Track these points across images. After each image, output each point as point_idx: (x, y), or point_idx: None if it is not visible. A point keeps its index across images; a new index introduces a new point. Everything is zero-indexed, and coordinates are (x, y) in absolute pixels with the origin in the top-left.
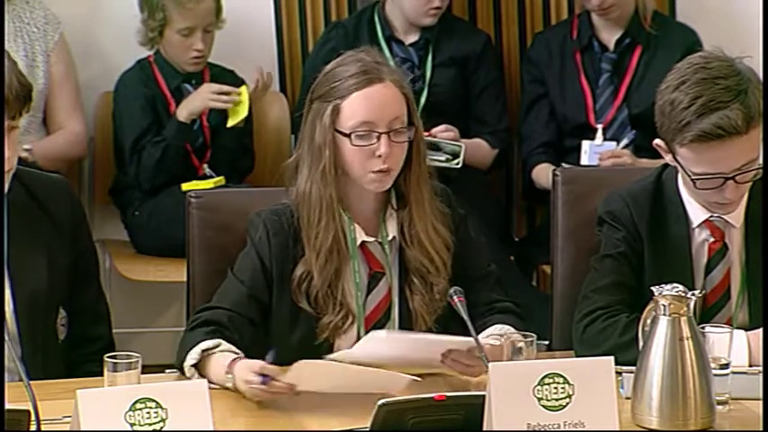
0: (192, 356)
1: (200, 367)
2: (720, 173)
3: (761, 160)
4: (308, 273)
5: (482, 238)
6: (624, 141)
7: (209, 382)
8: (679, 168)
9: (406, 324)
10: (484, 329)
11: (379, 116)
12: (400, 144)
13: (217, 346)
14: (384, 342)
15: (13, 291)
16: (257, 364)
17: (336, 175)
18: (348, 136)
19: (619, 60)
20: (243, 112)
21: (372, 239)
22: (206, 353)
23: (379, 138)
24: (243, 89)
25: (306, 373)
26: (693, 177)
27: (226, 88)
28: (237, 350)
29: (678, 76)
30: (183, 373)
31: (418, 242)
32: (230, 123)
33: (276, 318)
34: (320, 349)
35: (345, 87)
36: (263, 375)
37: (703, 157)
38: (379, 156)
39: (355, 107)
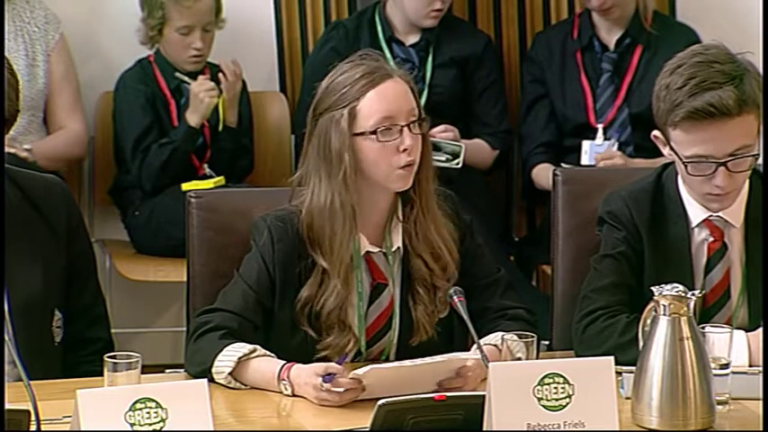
0: (228, 365)
1: (234, 374)
2: (712, 156)
3: (757, 150)
4: (313, 298)
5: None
6: (613, 142)
7: (251, 386)
8: (674, 158)
9: (407, 334)
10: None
11: (398, 110)
12: (419, 136)
13: (252, 352)
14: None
15: (8, 294)
16: (319, 366)
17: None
18: (374, 133)
19: (619, 60)
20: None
21: (377, 250)
22: (242, 360)
23: (401, 131)
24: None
25: (371, 379)
26: (685, 161)
27: (210, 84)
28: (271, 353)
29: (675, 61)
30: (210, 379)
31: (425, 240)
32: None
33: (277, 322)
34: (319, 354)
35: (357, 89)
36: (328, 374)
37: (695, 138)
38: (404, 149)
39: (374, 105)
